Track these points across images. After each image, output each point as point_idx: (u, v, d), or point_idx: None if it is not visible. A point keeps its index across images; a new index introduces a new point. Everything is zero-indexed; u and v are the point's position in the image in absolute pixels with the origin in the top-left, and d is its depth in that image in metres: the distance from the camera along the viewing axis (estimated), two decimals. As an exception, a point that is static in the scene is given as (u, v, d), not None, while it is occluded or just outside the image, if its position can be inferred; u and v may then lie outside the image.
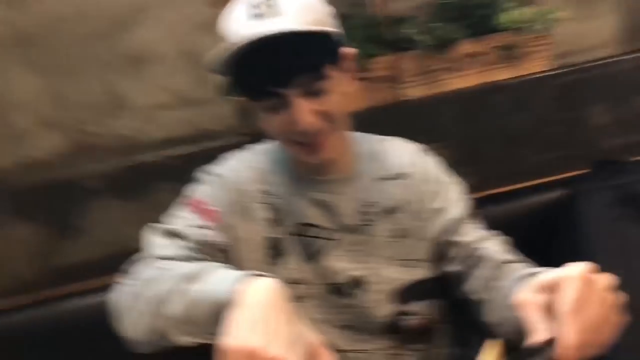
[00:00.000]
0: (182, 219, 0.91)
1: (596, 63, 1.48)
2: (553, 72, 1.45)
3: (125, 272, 0.86)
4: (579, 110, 1.47)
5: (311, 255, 0.95)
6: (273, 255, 0.95)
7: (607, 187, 1.33)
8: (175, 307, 0.75)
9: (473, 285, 0.91)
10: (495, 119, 1.47)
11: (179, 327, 0.75)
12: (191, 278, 0.75)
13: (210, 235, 0.90)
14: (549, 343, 0.62)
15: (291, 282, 0.93)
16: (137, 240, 1.37)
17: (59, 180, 1.37)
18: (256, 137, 1.05)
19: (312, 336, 0.69)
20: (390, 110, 1.44)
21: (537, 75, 1.46)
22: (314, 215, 0.95)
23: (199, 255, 0.88)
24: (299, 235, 0.95)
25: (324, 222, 0.95)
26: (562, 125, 1.48)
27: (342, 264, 0.94)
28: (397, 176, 0.98)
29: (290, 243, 0.95)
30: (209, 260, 0.87)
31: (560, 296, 0.65)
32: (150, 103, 1.40)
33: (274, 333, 0.65)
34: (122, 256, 1.37)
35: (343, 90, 0.87)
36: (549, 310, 0.66)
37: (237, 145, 1.04)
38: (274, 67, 0.80)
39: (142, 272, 0.83)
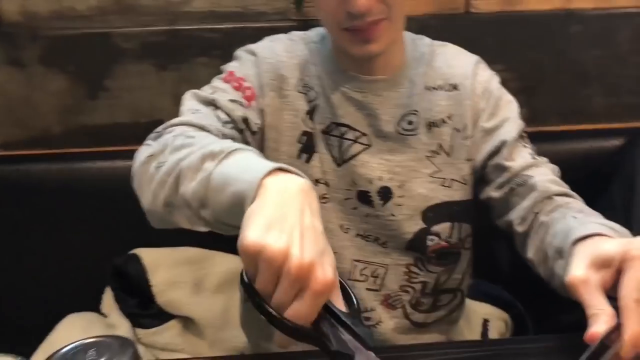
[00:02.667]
0: (220, 91, 0.85)
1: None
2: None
3: (153, 132, 0.77)
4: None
5: (342, 158, 0.89)
6: (304, 150, 0.89)
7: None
8: (193, 186, 0.64)
9: (518, 216, 0.84)
10: (567, 50, 1.35)
11: (193, 210, 0.65)
12: (216, 156, 0.65)
13: (244, 112, 0.85)
14: (615, 331, 0.56)
15: (318, 182, 0.89)
16: (167, 111, 1.33)
17: (96, 35, 1.30)
18: (305, 24, 0.97)
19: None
20: (454, 20, 1.33)
21: (625, 10, 1.33)
22: (350, 115, 0.88)
23: (231, 131, 0.81)
24: (332, 134, 0.89)
25: (359, 125, 0.88)
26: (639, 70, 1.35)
27: (374, 171, 0.88)
28: (447, 86, 0.90)
29: (322, 141, 0.89)
30: (239, 140, 0.81)
31: (625, 280, 0.57)
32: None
33: (300, 235, 0.53)
34: (150, 124, 1.33)
35: None
36: (606, 288, 0.59)
37: (284, 30, 0.97)
38: None
39: (169, 138, 0.73)
